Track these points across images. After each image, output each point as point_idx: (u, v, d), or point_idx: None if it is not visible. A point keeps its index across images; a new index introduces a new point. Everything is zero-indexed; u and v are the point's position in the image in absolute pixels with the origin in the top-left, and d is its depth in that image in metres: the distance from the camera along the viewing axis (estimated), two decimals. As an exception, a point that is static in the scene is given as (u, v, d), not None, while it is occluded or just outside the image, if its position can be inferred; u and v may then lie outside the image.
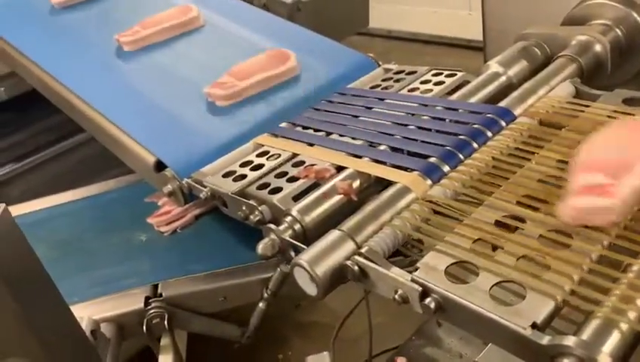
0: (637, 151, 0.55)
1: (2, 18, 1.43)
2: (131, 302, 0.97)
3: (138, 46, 1.24)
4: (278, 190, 0.77)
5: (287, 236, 0.69)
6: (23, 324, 0.64)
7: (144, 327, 0.96)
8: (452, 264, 0.58)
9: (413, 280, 0.57)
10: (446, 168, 0.73)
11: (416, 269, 0.58)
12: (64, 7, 1.43)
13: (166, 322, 0.96)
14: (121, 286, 1.00)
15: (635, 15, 0.97)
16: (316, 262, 0.62)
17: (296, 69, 1.08)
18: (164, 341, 0.99)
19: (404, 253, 0.66)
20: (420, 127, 0.84)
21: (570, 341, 0.47)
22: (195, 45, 1.25)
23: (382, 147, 0.82)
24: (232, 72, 1.07)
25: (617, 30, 0.97)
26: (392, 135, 0.84)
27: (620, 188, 0.53)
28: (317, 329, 1.62)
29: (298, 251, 0.67)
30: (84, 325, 0.86)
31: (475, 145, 0.77)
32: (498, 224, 0.62)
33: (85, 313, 0.91)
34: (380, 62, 1.12)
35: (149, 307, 0.96)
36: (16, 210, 1.22)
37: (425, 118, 0.86)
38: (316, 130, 0.92)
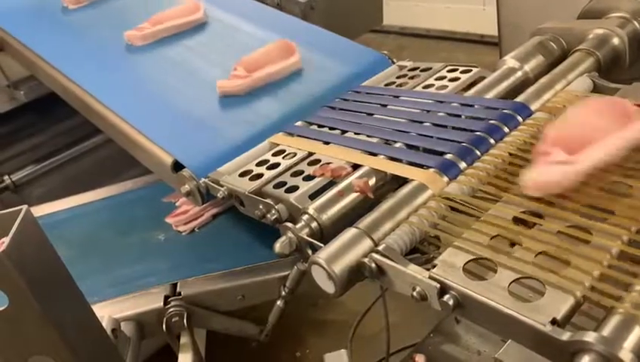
0: (595, 129, 0.60)
1: (20, 21, 1.45)
2: (151, 300, 0.98)
3: (148, 41, 1.26)
4: (294, 188, 0.78)
5: (304, 234, 0.70)
6: (45, 323, 0.66)
7: (164, 326, 0.97)
8: (470, 261, 0.58)
9: (431, 277, 0.57)
10: (462, 165, 0.73)
11: (434, 266, 0.58)
12: (77, 7, 1.45)
13: (185, 320, 0.97)
14: (141, 286, 1.01)
15: (654, 7, 0.96)
16: (333, 259, 0.62)
17: (299, 59, 1.09)
18: (184, 339, 0.99)
19: (422, 250, 0.66)
20: (435, 124, 0.84)
21: (590, 337, 0.47)
22: (209, 46, 1.26)
23: (397, 144, 0.82)
24: (242, 62, 1.08)
25: (635, 23, 0.95)
26: (408, 132, 0.84)
27: (576, 165, 0.59)
28: (334, 327, 1.63)
29: (315, 249, 0.67)
30: (105, 324, 0.88)
31: (491, 141, 0.76)
32: (516, 220, 0.62)
33: (106, 312, 0.92)
34: (395, 60, 1.11)
35: (169, 306, 0.97)
36: (36, 211, 1.25)
37: (440, 114, 0.86)
38: (331, 129, 0.92)
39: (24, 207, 0.64)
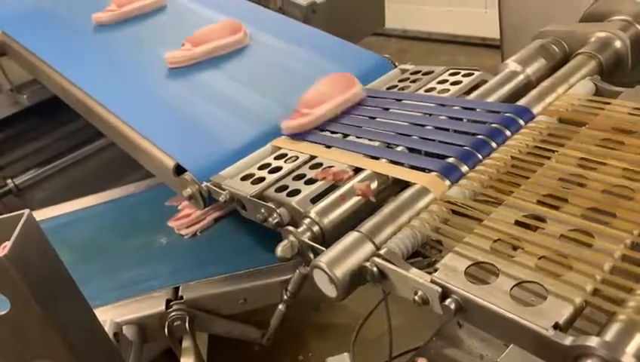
0: (324, 95, 0.95)
1: (22, 25, 1.45)
2: (153, 304, 0.98)
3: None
4: (296, 192, 0.78)
5: (305, 238, 0.70)
6: (47, 327, 0.66)
7: (166, 329, 0.96)
8: (472, 265, 0.58)
9: (433, 281, 0.57)
10: (464, 168, 0.73)
11: (436, 270, 0.58)
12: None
13: (187, 324, 0.97)
14: (143, 289, 1.01)
15: (656, 10, 0.96)
16: (335, 263, 0.62)
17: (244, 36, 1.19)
18: (186, 343, 0.99)
19: (424, 254, 0.66)
20: (437, 128, 0.84)
21: (593, 341, 0.47)
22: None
23: (399, 148, 0.82)
24: (191, 39, 1.19)
25: (637, 26, 0.95)
26: (410, 136, 0.84)
27: (310, 115, 0.93)
28: (337, 331, 1.62)
29: (317, 253, 0.67)
30: (107, 328, 0.88)
31: (493, 144, 0.76)
32: (518, 224, 0.61)
33: (108, 316, 0.92)
34: (397, 63, 1.11)
35: (170, 309, 0.97)
36: (39, 215, 1.25)
37: (442, 118, 0.86)
38: (333, 132, 0.92)
39: (26, 211, 0.64)
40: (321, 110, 0.95)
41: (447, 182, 0.71)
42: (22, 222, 0.62)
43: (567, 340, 0.48)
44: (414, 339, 1.27)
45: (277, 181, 0.82)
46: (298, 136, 0.93)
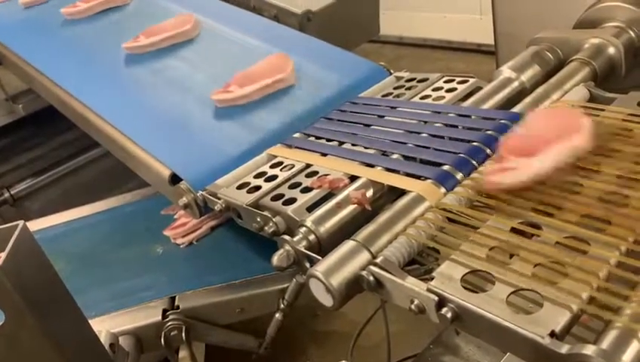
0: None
1: (18, 35, 1.46)
2: (149, 314, 0.98)
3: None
4: (292, 201, 0.77)
5: (301, 247, 0.69)
6: (43, 339, 0.65)
7: (162, 340, 0.96)
8: (468, 273, 0.58)
9: (429, 290, 0.57)
10: (460, 176, 0.73)
11: (432, 279, 0.58)
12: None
13: (184, 334, 0.96)
14: (139, 299, 1.01)
15: (649, 16, 0.96)
16: (331, 272, 0.62)
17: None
18: (182, 353, 0.99)
19: (420, 262, 0.66)
20: (432, 135, 0.84)
21: (589, 350, 0.46)
22: (206, 59, 1.26)
23: (395, 156, 0.82)
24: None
25: (631, 32, 0.96)
26: (405, 143, 0.84)
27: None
28: (335, 338, 1.62)
29: (313, 262, 0.67)
30: (103, 338, 0.87)
31: (488, 151, 0.76)
32: (514, 231, 0.61)
33: (104, 326, 0.92)
34: (392, 70, 1.12)
35: (167, 319, 0.97)
36: (35, 225, 1.25)
37: (437, 125, 0.86)
38: (329, 140, 0.92)
39: (21, 223, 0.63)
40: (245, 90, 1.02)
41: (443, 190, 0.71)
42: (16, 233, 0.62)
43: (564, 348, 0.48)
44: (412, 346, 1.26)
45: (273, 189, 0.82)
46: (293, 143, 0.93)
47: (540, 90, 0.86)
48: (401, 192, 0.73)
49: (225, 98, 1.06)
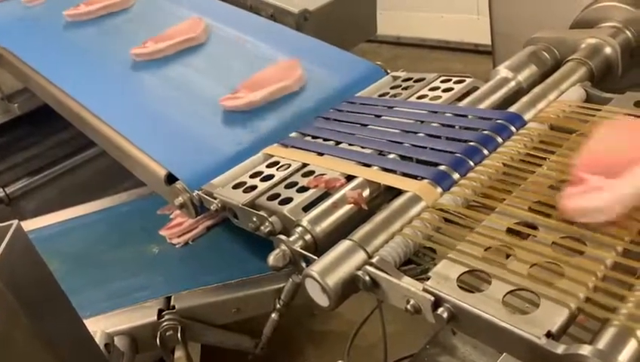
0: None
1: (14, 34, 1.45)
2: (144, 314, 0.97)
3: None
4: (288, 200, 0.77)
5: (297, 247, 0.69)
6: (36, 339, 0.65)
7: (157, 340, 0.96)
8: (464, 273, 0.57)
9: (425, 290, 0.57)
10: (456, 176, 0.73)
11: (428, 278, 0.58)
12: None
13: (179, 334, 0.96)
14: (134, 299, 1.01)
15: (645, 16, 0.96)
16: (327, 272, 0.62)
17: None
18: (178, 353, 0.99)
19: (416, 262, 0.66)
20: (429, 135, 0.83)
21: (585, 350, 0.46)
22: (203, 58, 1.26)
23: (391, 155, 0.82)
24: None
25: (627, 32, 0.96)
26: (402, 143, 0.83)
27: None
28: (332, 338, 1.62)
29: (309, 262, 0.66)
30: (98, 339, 0.87)
31: (485, 151, 0.76)
32: (510, 231, 0.61)
33: (99, 326, 0.91)
34: (389, 70, 1.12)
35: (162, 319, 0.96)
36: (30, 225, 1.25)
37: (434, 125, 0.86)
38: (325, 140, 0.92)
39: (15, 222, 0.63)
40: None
41: (439, 190, 0.71)
42: (10, 232, 0.62)
43: (560, 349, 0.48)
44: (409, 346, 1.26)
45: (269, 189, 0.82)
46: (290, 143, 0.93)
47: (536, 90, 0.86)
48: (398, 192, 0.73)
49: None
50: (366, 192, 0.75)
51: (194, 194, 0.88)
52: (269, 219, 0.75)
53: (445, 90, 0.97)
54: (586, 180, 0.58)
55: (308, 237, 0.70)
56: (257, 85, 1.06)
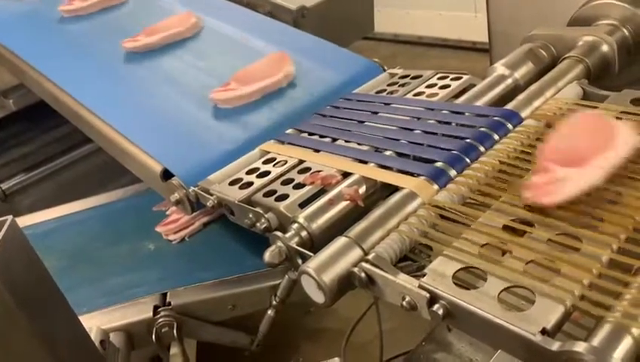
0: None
1: (10, 29, 1.44)
2: (140, 311, 0.97)
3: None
4: (284, 197, 0.77)
5: (293, 243, 0.69)
6: (31, 336, 0.65)
7: (153, 336, 0.96)
8: (460, 269, 0.57)
9: (420, 287, 0.57)
10: (452, 172, 0.73)
11: (424, 275, 0.58)
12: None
13: (175, 331, 0.96)
14: (130, 296, 1.01)
15: (642, 14, 0.96)
16: (323, 269, 0.62)
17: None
18: (174, 349, 0.99)
19: (412, 259, 0.66)
20: (425, 132, 0.83)
21: (580, 347, 0.46)
22: (199, 52, 1.26)
23: (388, 152, 0.82)
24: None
25: (624, 30, 0.96)
26: (398, 140, 0.83)
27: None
28: (328, 335, 1.62)
29: (305, 258, 0.66)
30: (94, 335, 0.87)
31: (481, 148, 0.76)
32: (506, 228, 0.61)
33: (94, 323, 0.91)
34: (386, 67, 1.11)
35: (158, 316, 0.96)
36: (25, 221, 1.24)
37: (431, 122, 0.86)
38: (322, 136, 0.91)
39: (9, 218, 0.63)
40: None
41: (436, 187, 0.71)
42: (4, 228, 0.61)
43: (555, 345, 0.48)
44: (405, 343, 1.26)
45: (265, 186, 0.82)
46: (286, 139, 0.93)
47: (533, 87, 0.86)
48: (394, 189, 0.73)
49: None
50: (362, 189, 0.75)
51: (190, 190, 0.88)
52: (265, 216, 0.75)
53: (442, 88, 0.97)
54: (551, 170, 0.62)
55: (304, 233, 0.70)
56: (248, 78, 1.06)
